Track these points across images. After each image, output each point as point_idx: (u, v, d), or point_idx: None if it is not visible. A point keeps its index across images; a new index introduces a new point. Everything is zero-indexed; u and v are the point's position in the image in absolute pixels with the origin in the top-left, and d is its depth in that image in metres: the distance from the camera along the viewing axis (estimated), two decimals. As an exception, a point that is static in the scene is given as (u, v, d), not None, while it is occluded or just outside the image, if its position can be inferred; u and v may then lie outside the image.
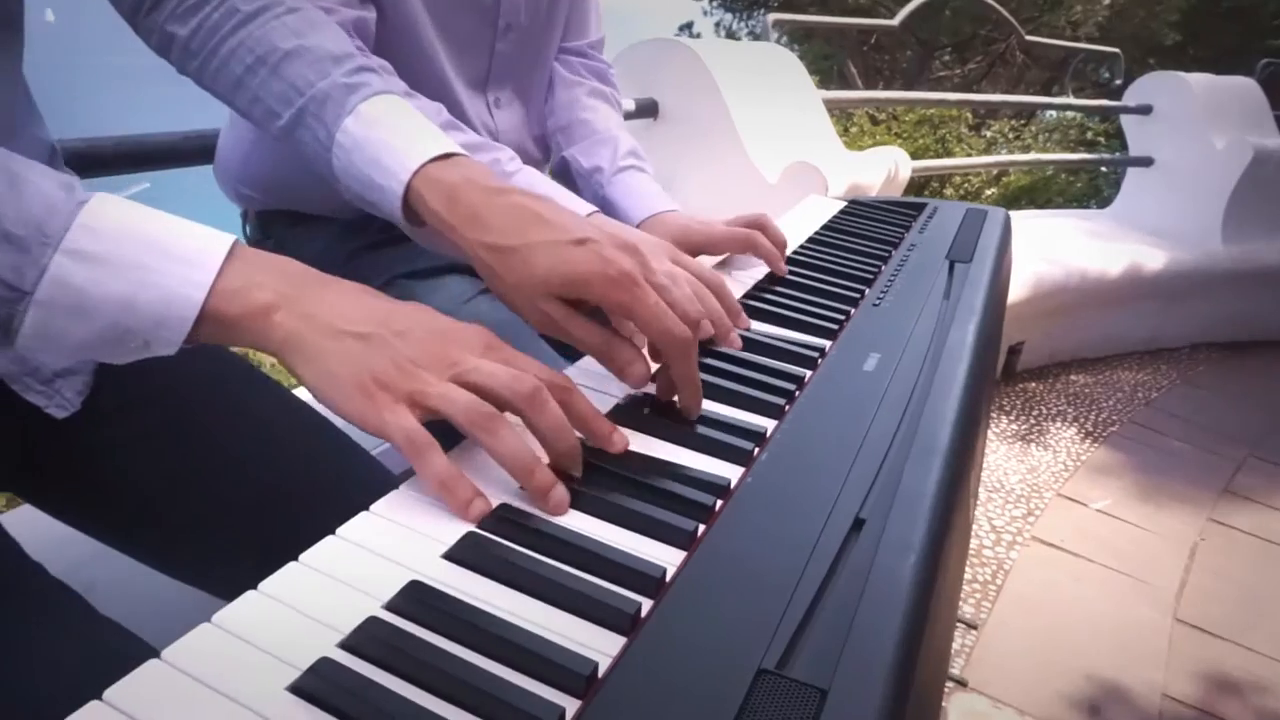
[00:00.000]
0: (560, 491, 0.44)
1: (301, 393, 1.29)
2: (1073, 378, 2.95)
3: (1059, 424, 2.60)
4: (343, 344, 0.44)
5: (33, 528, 0.69)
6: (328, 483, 0.66)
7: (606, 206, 0.92)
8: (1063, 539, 2.00)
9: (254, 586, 0.37)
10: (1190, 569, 1.94)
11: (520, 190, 0.57)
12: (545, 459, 0.46)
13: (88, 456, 0.63)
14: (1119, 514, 2.13)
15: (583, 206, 0.76)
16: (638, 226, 0.88)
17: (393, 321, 0.46)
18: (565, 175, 0.98)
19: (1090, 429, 2.58)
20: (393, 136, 0.59)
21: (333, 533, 0.41)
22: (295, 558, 0.39)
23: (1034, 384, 2.86)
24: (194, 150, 0.93)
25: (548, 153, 1.02)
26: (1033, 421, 2.60)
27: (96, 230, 0.40)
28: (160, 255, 0.41)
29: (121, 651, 0.47)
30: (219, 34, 0.64)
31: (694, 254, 0.83)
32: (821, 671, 0.33)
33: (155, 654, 0.49)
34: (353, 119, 0.60)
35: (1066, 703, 1.51)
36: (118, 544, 0.68)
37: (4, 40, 0.55)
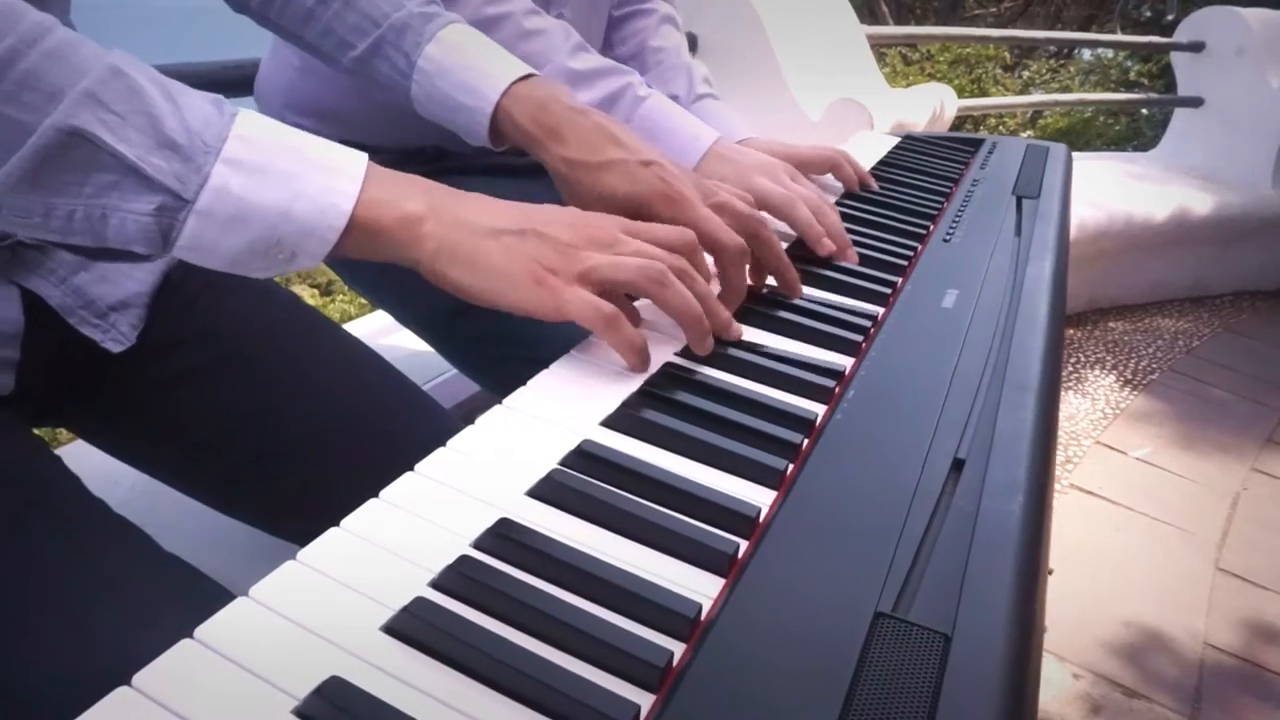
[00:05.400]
0: (734, 325, 0.52)
1: (352, 327, 1.28)
2: (1112, 325, 2.88)
3: (1097, 371, 2.55)
4: (501, 241, 0.46)
5: (86, 463, 0.68)
6: (385, 417, 0.65)
7: None
8: (1102, 487, 1.97)
9: (313, 523, 0.35)
10: (1233, 518, 1.91)
11: (599, 112, 0.63)
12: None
13: (143, 391, 0.62)
14: (1160, 463, 2.10)
15: (706, 132, 0.78)
16: None
17: (537, 216, 0.48)
18: None
19: (1130, 377, 2.53)
20: (477, 60, 0.63)
21: (408, 468, 0.39)
22: (357, 493, 0.37)
23: (1072, 330, 2.81)
24: (235, 80, 0.90)
25: None
26: (1070, 368, 2.56)
27: (251, 140, 0.41)
28: (309, 165, 0.42)
29: (190, 588, 0.47)
30: None
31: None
32: (942, 616, 0.31)
33: (221, 589, 0.49)
34: (434, 45, 0.63)
35: (1106, 650, 1.50)
36: (172, 479, 0.68)
37: None
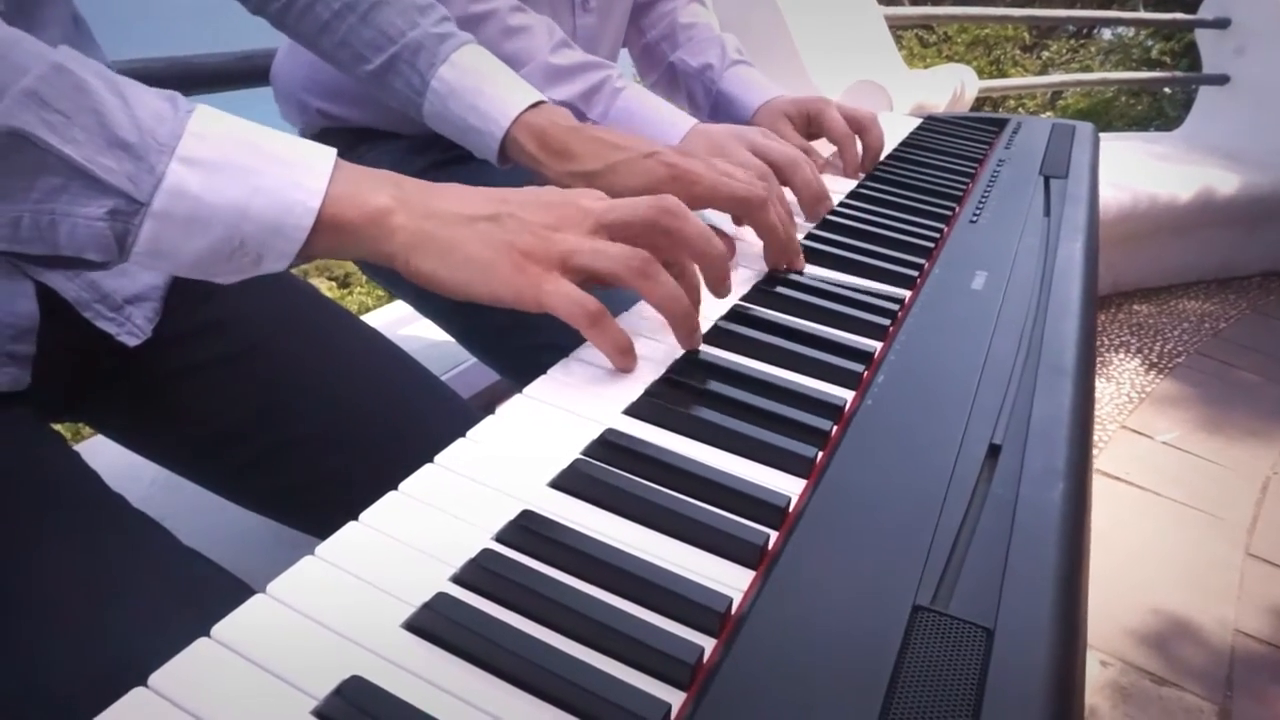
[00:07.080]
0: (699, 336, 0.49)
1: (370, 318, 1.27)
2: (1136, 307, 2.84)
3: (1122, 355, 2.51)
4: (475, 228, 0.44)
5: (106, 458, 0.68)
6: (403, 408, 0.64)
7: (722, 100, 0.97)
8: (1128, 472, 1.94)
9: (334, 515, 0.35)
10: (1262, 503, 1.88)
11: (594, 126, 0.66)
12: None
13: (159, 384, 0.62)
14: (1187, 447, 2.07)
15: (683, 119, 0.79)
16: (755, 113, 0.94)
17: (511, 199, 0.46)
18: (673, 80, 1.01)
19: (1155, 360, 2.49)
20: (488, 85, 0.65)
21: (428, 460, 0.38)
22: (376, 485, 0.36)
23: (1096, 313, 2.76)
24: (248, 71, 0.90)
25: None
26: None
27: (207, 137, 0.39)
28: (271, 161, 0.40)
29: (210, 583, 0.46)
30: None
31: (810, 120, 0.90)
32: (983, 609, 0.30)
33: (242, 584, 0.48)
34: (448, 68, 0.64)
35: (1135, 639, 1.48)
36: (189, 472, 0.67)
37: None
